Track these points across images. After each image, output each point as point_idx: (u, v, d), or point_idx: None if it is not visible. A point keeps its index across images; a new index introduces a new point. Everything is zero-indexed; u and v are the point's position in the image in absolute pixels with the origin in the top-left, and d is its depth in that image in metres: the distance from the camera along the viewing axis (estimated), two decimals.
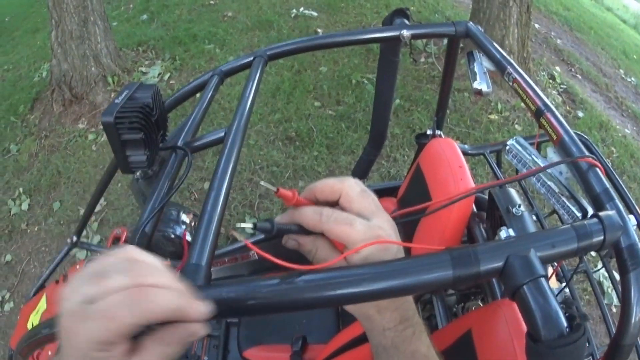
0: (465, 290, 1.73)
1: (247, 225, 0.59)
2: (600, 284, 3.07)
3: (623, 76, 6.26)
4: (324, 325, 2.10)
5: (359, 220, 0.61)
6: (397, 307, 0.65)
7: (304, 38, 1.43)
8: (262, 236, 0.62)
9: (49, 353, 1.80)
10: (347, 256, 0.61)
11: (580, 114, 4.80)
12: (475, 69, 1.40)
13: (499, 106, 4.61)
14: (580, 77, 5.79)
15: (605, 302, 2.93)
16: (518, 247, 0.60)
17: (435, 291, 1.60)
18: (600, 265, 2.02)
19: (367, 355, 1.54)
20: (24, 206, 4.27)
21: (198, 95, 1.31)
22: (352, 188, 0.63)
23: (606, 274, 2.96)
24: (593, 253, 2.84)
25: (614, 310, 2.94)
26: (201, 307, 0.52)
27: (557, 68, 5.61)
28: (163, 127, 0.99)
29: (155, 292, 0.48)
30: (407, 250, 0.68)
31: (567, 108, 4.88)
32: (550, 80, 5.23)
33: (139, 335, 0.49)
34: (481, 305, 1.72)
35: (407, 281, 0.57)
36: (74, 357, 0.47)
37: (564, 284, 1.45)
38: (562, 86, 5.21)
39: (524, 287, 0.57)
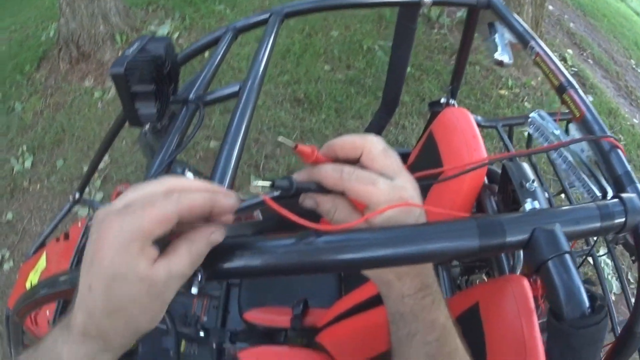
0: (470, 263, 1.72)
1: (265, 184, 0.56)
2: (602, 270, 3.05)
3: (634, 66, 6.17)
4: (326, 290, 2.10)
5: (382, 180, 0.57)
6: (418, 273, 0.63)
7: None
8: (275, 194, 0.58)
9: (47, 313, 1.79)
10: (369, 218, 0.58)
11: (590, 98, 4.72)
12: (497, 41, 1.37)
13: (510, 82, 4.57)
14: (591, 62, 5.72)
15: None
16: (544, 220, 0.57)
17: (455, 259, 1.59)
18: (601, 252, 2.02)
19: (368, 323, 1.55)
20: (27, 164, 4.26)
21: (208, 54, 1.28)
22: (374, 145, 0.60)
23: (608, 261, 2.97)
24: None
25: (613, 298, 2.93)
26: (231, 198, 0.56)
27: (569, 51, 5.54)
28: (174, 80, 0.96)
29: (189, 185, 0.54)
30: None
31: None
32: (562, 62, 5.15)
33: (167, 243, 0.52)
34: (485, 279, 1.71)
35: (432, 247, 0.55)
36: (103, 261, 0.49)
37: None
38: (573, 69, 5.14)
39: (549, 262, 0.55)
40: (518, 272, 1.33)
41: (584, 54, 5.80)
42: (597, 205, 0.61)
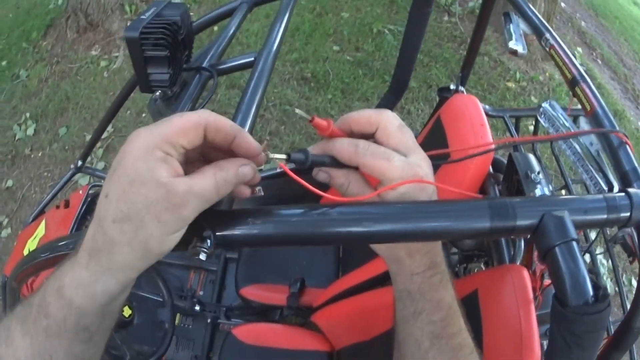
0: (468, 252, 1.72)
1: (281, 156, 0.56)
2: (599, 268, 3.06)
3: None
4: (324, 270, 2.11)
5: (397, 156, 0.57)
6: (428, 251, 0.63)
7: None
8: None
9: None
10: (381, 193, 0.58)
11: None
12: (512, 30, 1.36)
13: (517, 75, 4.55)
14: (600, 62, 5.70)
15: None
16: (554, 206, 0.58)
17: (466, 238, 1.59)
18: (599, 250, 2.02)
19: (363, 306, 1.56)
20: (30, 131, 4.25)
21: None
22: (390, 121, 0.60)
23: (604, 261, 2.98)
24: (592, 235, 2.85)
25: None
26: (255, 144, 0.57)
27: (579, 49, 5.53)
28: (189, 47, 0.96)
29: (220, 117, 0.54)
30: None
31: None
32: None
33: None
34: (483, 268, 1.72)
35: (443, 225, 0.55)
36: (125, 167, 0.49)
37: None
38: (581, 67, 5.12)
39: (557, 248, 0.56)
40: (518, 263, 1.33)
41: (594, 54, 5.78)
42: (605, 197, 0.61)
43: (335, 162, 0.60)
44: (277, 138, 3.85)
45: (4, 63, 5.09)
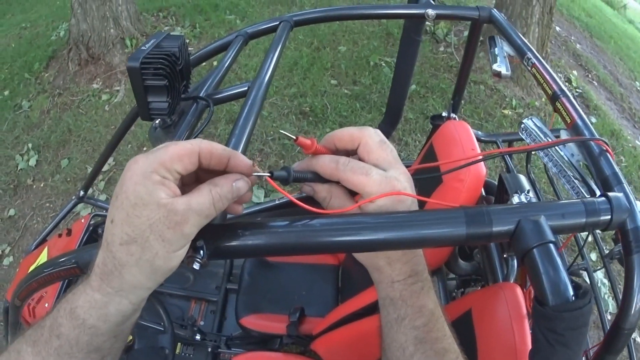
0: (466, 276, 1.74)
1: (264, 174, 0.60)
2: (598, 289, 3.06)
3: (639, 88, 6.21)
4: (323, 299, 2.12)
5: (375, 170, 0.61)
6: (408, 260, 0.65)
7: (329, 7, 1.44)
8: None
9: (46, 305, 1.80)
10: (361, 205, 0.61)
11: (593, 120, 4.77)
12: (496, 53, 1.41)
13: (514, 102, 4.60)
14: (596, 83, 5.75)
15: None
16: (530, 212, 0.60)
17: (435, 271, 1.61)
18: (600, 267, 2.03)
19: (360, 331, 1.57)
20: (32, 162, 4.28)
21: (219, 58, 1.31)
22: (371, 137, 0.63)
23: (605, 281, 2.98)
24: (594, 257, 2.84)
25: (609, 317, 2.94)
26: (248, 161, 0.59)
27: (574, 72, 5.58)
28: (186, 78, 1.00)
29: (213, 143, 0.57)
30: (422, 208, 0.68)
31: None
32: (567, 83, 5.19)
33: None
34: None
35: (420, 233, 0.58)
36: (126, 192, 0.52)
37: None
38: (577, 90, 5.18)
39: (534, 250, 0.58)
40: (512, 281, 1.36)
41: (589, 76, 5.84)
42: (583, 202, 0.64)
43: (319, 178, 0.64)
44: (288, 165, 3.86)
45: (6, 93, 5.15)
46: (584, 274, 1.63)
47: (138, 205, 0.51)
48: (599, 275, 2.95)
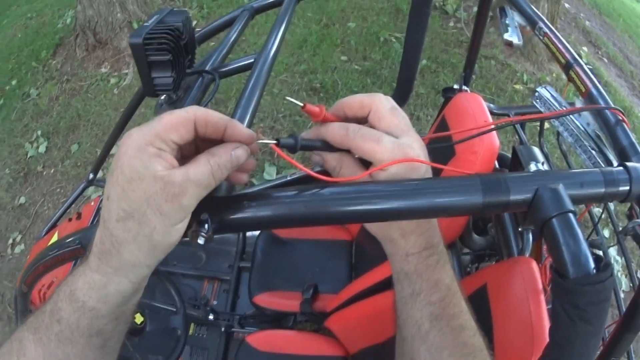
0: (480, 251, 1.72)
1: (271, 141, 0.58)
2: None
3: None
4: (336, 276, 2.11)
5: (387, 138, 0.58)
6: (423, 232, 0.64)
7: None
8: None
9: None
10: (372, 173, 0.59)
11: None
12: (507, 22, 1.38)
13: (525, 77, 4.55)
14: (606, 60, 5.69)
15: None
16: (548, 180, 0.58)
17: (450, 245, 1.60)
18: (613, 244, 2.01)
19: (375, 308, 1.56)
20: (41, 149, 4.30)
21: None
22: (382, 104, 0.61)
23: (618, 258, 2.95)
24: (606, 233, 2.81)
25: (622, 295, 2.91)
26: (246, 129, 0.58)
27: (585, 48, 5.52)
28: (191, 52, 0.98)
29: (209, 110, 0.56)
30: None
31: None
32: None
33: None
34: None
35: (435, 202, 0.55)
36: (121, 167, 0.50)
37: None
38: (588, 66, 5.09)
39: (553, 220, 0.55)
40: (527, 255, 1.34)
41: (599, 52, 5.77)
42: (602, 172, 0.61)
43: (328, 146, 0.62)
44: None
45: (14, 82, 5.15)
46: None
47: (134, 179, 0.50)
48: (612, 252, 2.91)
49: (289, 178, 2.16)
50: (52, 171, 4.12)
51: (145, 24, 0.89)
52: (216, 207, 0.55)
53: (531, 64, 4.73)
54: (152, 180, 0.49)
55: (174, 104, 0.95)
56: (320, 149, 0.63)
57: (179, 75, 0.91)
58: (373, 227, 0.66)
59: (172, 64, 0.88)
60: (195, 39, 1.01)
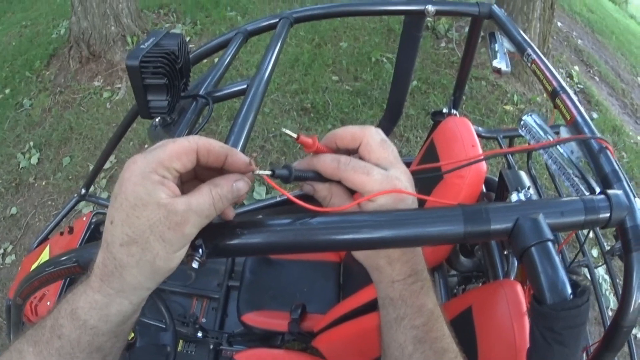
0: (467, 273, 1.74)
1: (266, 173, 0.60)
2: (599, 285, 3.07)
3: None
4: (325, 296, 2.13)
5: (376, 170, 0.61)
6: (408, 260, 0.66)
7: (330, 4, 1.44)
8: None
9: (48, 304, 1.81)
10: (361, 204, 0.61)
11: (595, 116, 4.71)
12: (496, 49, 1.41)
13: (515, 98, 4.59)
14: (597, 79, 5.74)
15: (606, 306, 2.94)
16: (528, 210, 0.60)
17: (436, 268, 1.61)
18: (601, 263, 2.04)
19: (362, 328, 1.57)
20: (33, 160, 4.29)
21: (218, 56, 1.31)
22: (372, 137, 0.63)
23: (606, 277, 2.99)
24: (595, 253, 2.84)
25: (610, 314, 2.92)
26: (246, 159, 0.59)
27: (576, 67, 5.56)
28: (186, 76, 1.00)
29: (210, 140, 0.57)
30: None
31: (583, 108, 4.83)
32: (568, 79, 5.19)
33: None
34: None
35: (418, 231, 0.58)
36: (125, 193, 0.52)
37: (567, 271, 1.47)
38: (579, 86, 5.18)
39: (532, 248, 0.57)
40: (512, 278, 1.36)
41: (591, 71, 5.83)
42: (582, 199, 0.63)
43: (319, 177, 0.65)
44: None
45: (7, 91, 5.15)
46: (585, 270, 1.63)
47: (138, 206, 0.51)
48: (600, 271, 2.95)
49: (278, 199, 2.18)
50: (43, 183, 4.11)
51: (142, 45, 0.91)
52: (210, 233, 0.57)
53: (522, 85, 4.77)
54: (155, 208, 0.51)
55: (169, 126, 0.97)
56: (312, 180, 0.65)
57: (174, 98, 0.93)
58: (360, 255, 0.68)
59: (167, 88, 0.90)
60: (190, 60, 1.03)
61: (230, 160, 0.58)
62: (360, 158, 0.64)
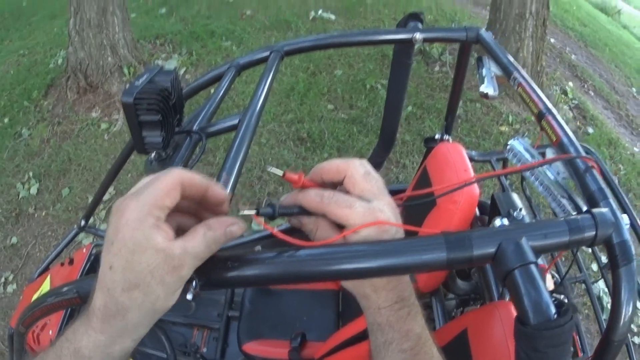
0: (464, 296, 1.75)
1: (251, 212, 0.63)
2: (599, 298, 3.08)
3: (635, 95, 6.25)
4: (324, 323, 2.13)
5: (359, 203, 0.63)
6: (393, 287, 0.67)
7: (320, 36, 1.46)
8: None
9: (50, 332, 1.82)
10: (346, 236, 0.63)
11: (590, 130, 4.81)
12: (484, 74, 1.43)
13: (510, 118, 4.63)
14: (592, 93, 5.80)
15: (604, 317, 2.93)
16: (511, 234, 0.62)
17: (434, 292, 1.63)
18: (596, 277, 2.05)
19: (364, 353, 1.57)
20: (33, 190, 4.32)
21: (213, 89, 1.34)
22: (356, 169, 0.65)
23: (606, 290, 2.99)
24: (594, 267, 2.85)
25: None
26: (224, 192, 0.63)
27: (570, 83, 5.62)
28: (180, 111, 1.02)
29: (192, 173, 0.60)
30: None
31: (578, 124, 4.90)
32: (563, 95, 5.24)
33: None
34: None
35: (401, 260, 0.60)
36: (123, 238, 0.54)
37: (559, 288, 1.48)
38: (573, 101, 5.22)
39: (515, 271, 0.59)
40: (507, 299, 1.37)
41: (585, 86, 5.89)
42: (566, 220, 0.65)
43: (305, 211, 0.67)
44: (275, 199, 3.87)
45: (6, 120, 5.19)
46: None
47: (137, 251, 0.53)
48: (601, 284, 2.96)
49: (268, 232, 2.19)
50: (43, 214, 4.13)
51: (136, 82, 0.93)
52: (203, 266, 0.59)
53: (516, 105, 4.80)
54: (154, 253, 0.53)
55: (164, 161, 0.99)
56: (298, 214, 0.68)
57: (168, 134, 0.96)
58: (348, 284, 0.70)
59: (161, 124, 0.93)
60: (183, 95, 1.06)
61: (210, 193, 0.61)
62: (346, 191, 0.66)
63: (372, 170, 0.67)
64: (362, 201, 0.63)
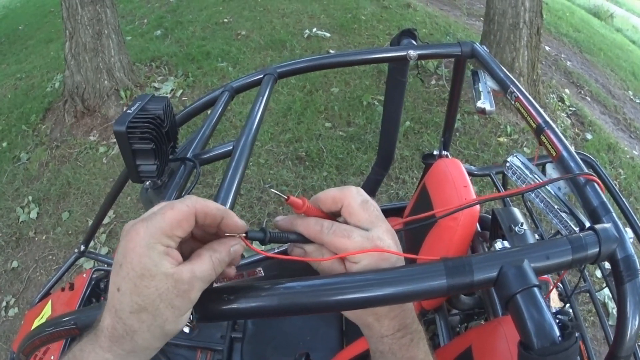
0: (468, 310, 1.74)
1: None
2: (605, 305, 3.07)
3: (632, 97, 6.28)
4: (328, 343, 2.11)
5: (357, 232, 0.62)
6: (395, 315, 0.66)
7: (313, 57, 1.46)
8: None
9: (52, 358, 1.81)
10: (347, 266, 0.63)
11: (589, 136, 4.82)
12: (480, 89, 1.42)
13: (508, 129, 4.63)
14: (589, 99, 5.82)
15: (610, 323, 2.92)
16: (512, 257, 0.61)
17: (437, 309, 1.61)
18: (602, 285, 2.03)
19: None
20: (33, 214, 4.32)
21: (209, 111, 1.33)
22: (353, 199, 0.65)
23: (611, 296, 2.98)
24: (599, 274, 2.83)
25: None
26: (241, 222, 0.62)
27: (567, 90, 5.64)
28: (173, 139, 1.02)
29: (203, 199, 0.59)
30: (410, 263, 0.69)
31: (576, 130, 4.90)
32: (560, 103, 5.25)
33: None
34: None
35: (401, 289, 0.59)
36: (132, 262, 0.54)
37: (566, 302, 1.47)
38: (571, 108, 5.23)
39: (517, 296, 0.58)
40: None
41: (582, 92, 5.91)
42: (569, 239, 0.64)
43: (302, 238, 0.66)
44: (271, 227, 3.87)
45: (4, 144, 5.21)
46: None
47: (145, 276, 0.54)
48: (606, 291, 2.94)
49: (276, 250, 2.18)
50: (43, 237, 4.13)
51: (128, 111, 0.93)
52: (200, 299, 0.59)
53: (514, 115, 4.80)
54: (163, 278, 0.54)
55: (159, 189, 0.98)
56: (294, 241, 0.67)
57: (162, 162, 0.95)
58: (349, 313, 0.69)
59: (155, 152, 0.92)
60: (177, 122, 1.05)
61: (226, 222, 0.61)
62: (344, 220, 0.66)
63: (368, 198, 0.66)
64: (361, 230, 0.63)
